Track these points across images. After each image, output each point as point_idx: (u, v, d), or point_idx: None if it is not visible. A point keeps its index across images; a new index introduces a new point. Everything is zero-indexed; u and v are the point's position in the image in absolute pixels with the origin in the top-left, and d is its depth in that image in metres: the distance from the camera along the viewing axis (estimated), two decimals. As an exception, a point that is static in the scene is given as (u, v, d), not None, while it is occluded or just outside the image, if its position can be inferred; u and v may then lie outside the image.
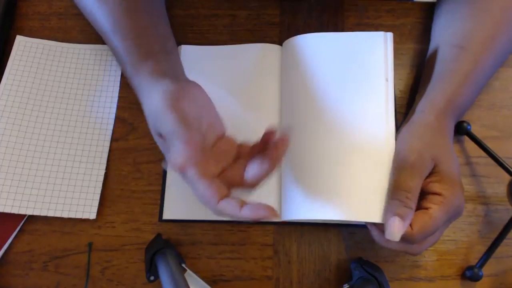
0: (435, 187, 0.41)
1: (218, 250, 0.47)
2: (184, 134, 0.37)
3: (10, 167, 0.48)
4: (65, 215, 0.47)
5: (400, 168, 0.42)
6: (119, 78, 0.54)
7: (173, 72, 0.44)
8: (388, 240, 0.40)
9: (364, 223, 0.46)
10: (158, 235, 0.46)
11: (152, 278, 0.44)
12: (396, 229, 0.39)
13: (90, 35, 0.56)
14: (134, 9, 0.48)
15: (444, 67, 0.47)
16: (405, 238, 0.40)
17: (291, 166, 0.47)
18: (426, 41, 0.54)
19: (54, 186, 0.48)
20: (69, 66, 0.54)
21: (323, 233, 0.48)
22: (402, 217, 0.39)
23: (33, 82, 0.53)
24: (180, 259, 0.45)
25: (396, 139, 0.45)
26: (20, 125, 0.50)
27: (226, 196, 0.38)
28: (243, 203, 0.37)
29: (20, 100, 0.52)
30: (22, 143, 0.50)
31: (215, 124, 0.42)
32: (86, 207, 0.48)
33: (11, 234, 0.47)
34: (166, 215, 0.48)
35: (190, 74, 0.49)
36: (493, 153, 0.48)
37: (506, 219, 0.47)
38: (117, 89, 0.54)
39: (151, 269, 0.44)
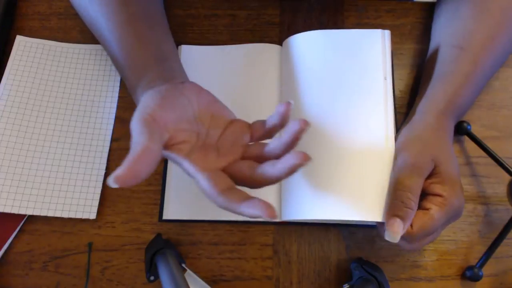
0: (436, 188, 0.41)
1: (218, 250, 0.47)
2: (143, 138, 0.35)
3: (10, 167, 0.48)
4: (65, 215, 0.47)
5: (400, 168, 0.42)
6: (119, 78, 0.54)
7: (169, 77, 0.43)
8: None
9: (364, 223, 0.46)
10: (158, 235, 0.46)
11: (152, 278, 0.44)
12: (395, 231, 0.39)
13: (90, 35, 0.56)
14: (132, 20, 0.47)
15: (444, 68, 0.47)
16: (403, 236, 0.40)
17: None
18: (426, 41, 0.54)
19: (54, 186, 0.48)
20: (69, 66, 0.54)
21: (323, 233, 0.48)
22: (402, 218, 0.39)
23: (33, 82, 0.53)
24: (180, 259, 0.45)
25: (396, 140, 0.45)
26: (20, 125, 0.50)
27: (229, 188, 0.37)
28: (244, 198, 0.36)
29: (20, 100, 0.52)
30: (22, 143, 0.50)
31: (219, 113, 0.42)
32: (86, 207, 0.48)
33: (11, 234, 0.47)
34: (166, 215, 0.48)
35: (190, 74, 0.49)
36: (493, 153, 0.48)
37: (506, 219, 0.47)
38: (117, 89, 0.54)
39: (151, 269, 0.44)
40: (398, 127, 0.50)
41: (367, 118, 0.47)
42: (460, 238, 0.48)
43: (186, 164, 0.38)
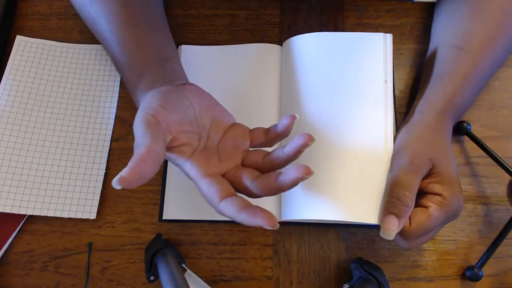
0: (435, 187, 0.41)
1: (218, 250, 0.47)
2: (146, 140, 0.35)
3: (10, 167, 0.48)
4: (65, 215, 0.47)
5: (398, 166, 0.42)
6: (119, 78, 0.54)
7: (170, 79, 0.43)
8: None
9: (363, 224, 0.46)
10: (158, 235, 0.46)
11: (152, 278, 0.44)
12: (390, 227, 0.39)
13: (90, 35, 0.56)
14: (133, 21, 0.47)
15: (443, 68, 0.47)
16: (400, 233, 0.40)
17: (290, 166, 0.47)
18: (426, 41, 0.54)
19: (54, 186, 0.48)
20: (69, 66, 0.54)
21: (323, 233, 0.48)
22: (398, 216, 0.39)
23: (33, 82, 0.53)
24: (180, 259, 0.45)
25: (394, 139, 0.45)
26: (20, 125, 0.50)
27: (230, 195, 0.36)
28: (244, 206, 0.35)
29: (20, 100, 0.52)
30: (22, 143, 0.50)
31: (220, 117, 0.42)
32: (86, 207, 0.48)
33: (11, 234, 0.47)
34: (166, 215, 0.48)
35: (190, 74, 0.49)
36: (493, 153, 0.48)
37: (506, 219, 0.47)
38: (117, 89, 0.54)
39: (151, 269, 0.44)
40: (398, 126, 0.50)
41: (367, 120, 0.47)
42: (460, 238, 0.48)
43: (188, 167, 0.38)
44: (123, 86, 0.54)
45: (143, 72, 0.44)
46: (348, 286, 0.43)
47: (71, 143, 0.50)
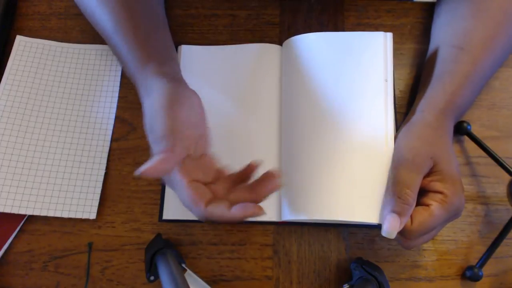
0: (436, 185, 0.41)
1: (218, 250, 0.47)
2: (169, 141, 0.38)
3: (10, 167, 0.48)
4: (65, 215, 0.47)
5: (398, 165, 0.42)
6: (119, 78, 0.54)
7: (174, 76, 0.44)
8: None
9: (363, 224, 0.46)
10: (158, 235, 0.46)
11: (152, 278, 0.44)
12: (392, 226, 0.39)
13: (90, 35, 0.56)
14: (136, 14, 0.47)
15: (444, 67, 0.47)
16: (402, 232, 0.40)
17: (290, 166, 0.47)
18: (426, 41, 0.54)
19: (54, 186, 0.48)
20: (69, 66, 0.54)
21: (323, 233, 0.48)
22: (399, 214, 0.39)
23: (33, 82, 0.53)
24: (180, 259, 0.45)
25: (395, 138, 0.45)
26: (20, 125, 0.50)
27: (212, 201, 0.39)
28: (230, 205, 0.38)
29: (20, 100, 0.52)
30: (22, 143, 0.50)
31: (204, 138, 0.42)
32: (86, 207, 0.48)
33: (11, 234, 0.47)
34: (166, 215, 0.48)
35: (190, 74, 0.49)
36: (493, 153, 0.48)
37: (506, 219, 0.47)
38: (117, 89, 0.54)
39: (151, 269, 0.44)
40: (398, 126, 0.50)
41: (367, 119, 0.47)
42: (460, 238, 0.48)
43: (177, 169, 0.39)
44: (123, 86, 0.54)
45: (148, 59, 0.45)
46: (348, 286, 0.43)
47: (71, 143, 0.50)
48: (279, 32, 0.56)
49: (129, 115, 0.53)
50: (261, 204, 0.46)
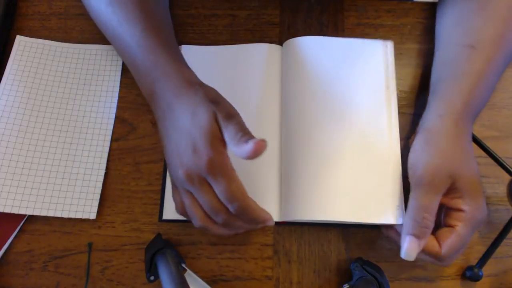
0: (458, 203, 0.41)
1: (218, 250, 0.47)
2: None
3: (10, 167, 0.48)
4: (65, 215, 0.47)
5: (417, 185, 0.41)
6: (119, 78, 0.54)
7: (204, 86, 0.44)
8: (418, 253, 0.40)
9: (363, 224, 0.46)
10: (158, 235, 0.46)
11: (152, 278, 0.44)
12: (411, 249, 0.40)
13: (90, 35, 0.56)
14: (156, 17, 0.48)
15: (458, 68, 0.46)
16: (434, 257, 0.41)
17: (291, 166, 0.47)
18: (426, 41, 0.54)
19: (54, 186, 0.48)
20: (69, 66, 0.54)
21: (323, 233, 0.48)
22: (418, 237, 0.40)
23: (33, 82, 0.53)
24: (180, 259, 0.45)
25: (412, 144, 0.44)
26: (20, 125, 0.50)
27: None
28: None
29: (20, 100, 0.52)
30: (22, 143, 0.50)
31: None
32: (86, 207, 0.48)
33: (11, 234, 0.47)
34: (166, 215, 0.48)
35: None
36: (493, 153, 0.48)
37: (506, 219, 0.47)
38: (117, 89, 0.54)
39: (151, 269, 0.44)
40: (408, 128, 0.50)
41: (369, 122, 0.47)
42: (460, 238, 0.48)
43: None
44: (123, 86, 0.54)
45: (174, 61, 0.45)
46: (348, 286, 0.43)
47: (71, 143, 0.50)
48: (279, 32, 0.56)
49: (129, 115, 0.53)
50: (261, 204, 0.47)
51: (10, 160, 0.49)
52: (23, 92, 0.52)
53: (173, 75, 0.43)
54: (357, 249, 0.47)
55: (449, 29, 0.51)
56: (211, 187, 0.39)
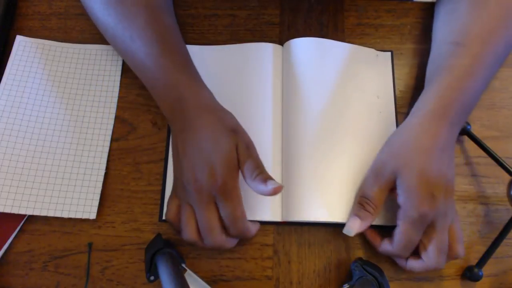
0: (398, 199, 0.42)
1: (218, 250, 0.47)
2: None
3: (10, 167, 0.48)
4: (65, 215, 0.47)
5: (367, 175, 0.45)
6: (119, 78, 0.54)
7: (225, 112, 0.46)
8: (409, 265, 0.44)
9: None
10: (158, 235, 0.46)
11: (152, 278, 0.44)
12: (352, 226, 0.43)
13: (90, 35, 0.56)
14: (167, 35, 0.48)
15: (441, 64, 0.46)
16: (393, 255, 0.45)
17: (292, 167, 0.47)
18: (426, 41, 0.54)
19: (54, 186, 0.48)
20: (69, 66, 0.54)
21: (323, 233, 0.48)
22: (361, 218, 0.43)
23: (33, 82, 0.53)
24: (180, 259, 0.45)
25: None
26: (20, 125, 0.50)
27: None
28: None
29: (20, 100, 0.52)
30: (22, 143, 0.50)
31: None
32: (86, 207, 0.48)
33: (11, 234, 0.47)
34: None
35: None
36: (493, 153, 0.48)
37: (506, 219, 0.47)
38: (117, 89, 0.54)
39: (151, 269, 0.44)
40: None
41: (365, 126, 0.49)
42: (460, 238, 0.48)
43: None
44: (123, 86, 0.54)
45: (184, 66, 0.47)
46: (348, 286, 0.43)
47: (71, 143, 0.50)
48: (279, 32, 0.56)
49: (129, 115, 0.53)
50: (261, 203, 0.47)
51: (10, 160, 0.49)
52: (23, 92, 0.52)
53: (195, 97, 0.45)
54: (357, 249, 0.47)
55: (440, 29, 0.51)
56: (216, 207, 0.42)
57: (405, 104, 0.53)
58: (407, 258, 0.44)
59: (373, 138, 0.48)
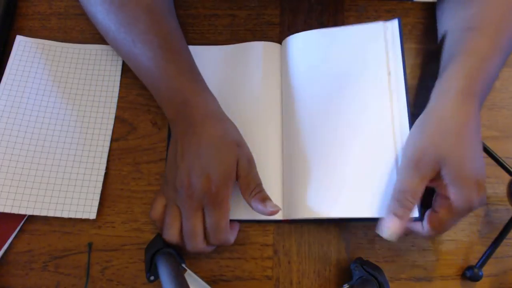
0: (443, 190, 0.41)
1: (218, 250, 0.47)
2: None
3: (10, 167, 0.48)
4: (65, 215, 0.47)
5: (403, 167, 0.42)
6: (119, 78, 0.54)
7: (229, 123, 0.46)
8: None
9: (365, 218, 0.46)
10: (158, 235, 0.46)
11: (152, 278, 0.44)
12: (392, 228, 0.40)
13: (90, 35, 0.56)
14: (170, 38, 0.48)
15: (459, 49, 0.45)
16: (418, 235, 0.43)
17: (292, 164, 0.47)
18: (426, 41, 0.54)
19: (54, 186, 0.48)
20: (69, 66, 0.54)
21: (323, 233, 0.48)
22: (399, 217, 0.40)
23: (33, 82, 0.53)
24: (180, 259, 0.45)
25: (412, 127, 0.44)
26: (20, 125, 0.50)
27: None
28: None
29: (20, 100, 0.52)
30: (22, 143, 0.50)
31: None
32: (86, 207, 0.48)
33: (11, 234, 0.47)
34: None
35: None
36: (493, 153, 0.48)
37: (506, 219, 0.47)
38: (117, 89, 0.54)
39: (151, 269, 0.44)
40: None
41: (371, 116, 0.46)
42: (460, 238, 0.48)
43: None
44: (123, 86, 0.54)
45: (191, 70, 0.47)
46: (348, 286, 0.43)
47: (71, 143, 0.50)
48: (279, 32, 0.56)
49: (129, 115, 0.53)
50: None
51: (10, 160, 0.49)
52: (23, 92, 0.52)
53: (202, 103, 0.45)
54: (357, 249, 0.47)
55: (450, 16, 0.50)
56: (203, 214, 0.42)
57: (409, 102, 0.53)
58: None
59: (381, 128, 0.46)
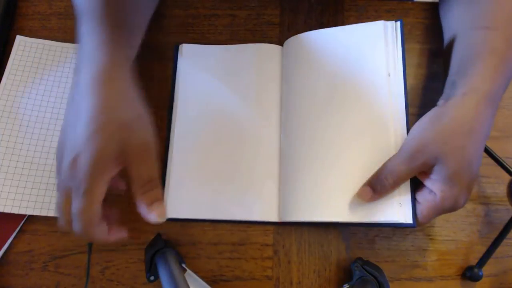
0: (432, 185, 0.41)
1: (218, 250, 0.47)
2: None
3: (10, 167, 0.48)
4: (65, 215, 0.47)
5: (400, 151, 0.42)
6: (119, 78, 0.54)
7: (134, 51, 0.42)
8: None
9: (365, 223, 0.46)
10: (158, 235, 0.46)
11: (152, 278, 0.44)
12: (363, 196, 0.42)
13: (90, 35, 0.56)
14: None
15: (477, 49, 0.44)
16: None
17: (290, 166, 0.47)
18: (427, 41, 0.54)
19: (54, 186, 0.48)
20: (69, 66, 0.54)
21: (323, 233, 0.48)
22: (374, 190, 0.41)
23: (33, 82, 0.53)
24: (180, 259, 0.45)
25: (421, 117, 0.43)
26: (20, 125, 0.50)
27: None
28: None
29: (20, 100, 0.52)
30: (22, 143, 0.50)
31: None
32: (86, 207, 0.48)
33: (11, 234, 0.47)
34: (166, 215, 0.48)
35: (190, 73, 0.49)
36: (493, 153, 0.48)
37: (506, 219, 0.47)
38: (117, 89, 0.53)
39: (151, 269, 0.44)
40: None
41: (370, 117, 0.46)
42: (460, 238, 0.48)
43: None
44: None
45: (115, 27, 0.41)
46: (348, 286, 0.43)
47: (71, 143, 0.50)
48: (279, 32, 0.56)
49: (129, 115, 0.53)
50: (262, 204, 0.47)
51: (10, 160, 0.49)
52: (23, 92, 0.52)
53: (104, 58, 0.37)
54: (357, 249, 0.47)
55: (459, 16, 0.49)
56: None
57: (409, 103, 0.53)
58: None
59: (381, 130, 0.45)
